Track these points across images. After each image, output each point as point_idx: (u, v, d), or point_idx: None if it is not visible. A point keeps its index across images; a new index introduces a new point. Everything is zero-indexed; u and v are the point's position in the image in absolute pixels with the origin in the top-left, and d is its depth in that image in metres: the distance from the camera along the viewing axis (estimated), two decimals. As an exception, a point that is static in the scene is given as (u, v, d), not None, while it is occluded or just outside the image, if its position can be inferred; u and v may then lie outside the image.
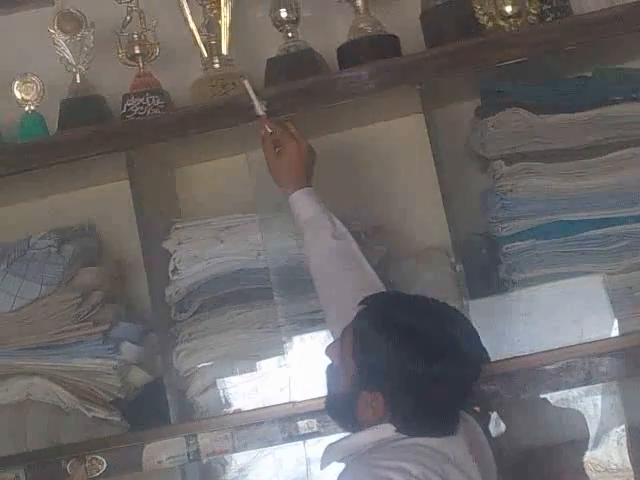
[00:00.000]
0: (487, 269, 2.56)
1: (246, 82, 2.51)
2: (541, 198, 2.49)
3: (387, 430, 2.04)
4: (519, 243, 2.49)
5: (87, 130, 2.67)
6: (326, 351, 2.16)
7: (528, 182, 2.50)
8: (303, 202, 2.39)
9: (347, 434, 2.14)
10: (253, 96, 2.49)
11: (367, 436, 2.07)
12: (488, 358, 2.33)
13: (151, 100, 2.74)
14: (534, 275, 2.47)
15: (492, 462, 2.18)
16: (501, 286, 2.51)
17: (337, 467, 2.08)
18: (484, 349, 2.11)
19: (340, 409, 2.14)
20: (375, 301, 2.12)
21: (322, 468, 2.13)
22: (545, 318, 2.44)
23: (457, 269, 2.49)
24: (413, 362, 2.00)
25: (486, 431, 2.35)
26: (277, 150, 2.43)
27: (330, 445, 2.13)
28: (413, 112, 2.69)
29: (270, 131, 2.45)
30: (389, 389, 2.03)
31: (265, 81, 2.71)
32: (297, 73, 2.64)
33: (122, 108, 2.75)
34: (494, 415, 2.47)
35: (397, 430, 2.04)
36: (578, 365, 2.38)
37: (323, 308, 2.38)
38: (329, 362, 2.16)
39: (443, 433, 2.04)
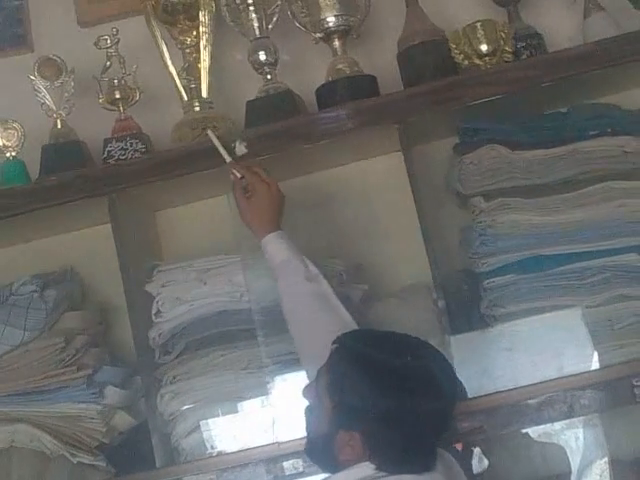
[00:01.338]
0: (468, 305, 2.60)
1: (210, 132, 2.60)
2: (520, 233, 2.56)
3: (367, 469, 2.07)
4: (499, 278, 2.54)
5: (68, 175, 2.73)
6: (303, 393, 2.21)
7: (507, 217, 2.56)
8: (275, 245, 2.45)
9: (328, 475, 2.17)
10: (218, 145, 2.57)
11: (347, 476, 2.10)
12: (465, 394, 2.41)
13: (132, 144, 2.80)
14: (515, 310, 2.52)
15: None
16: (482, 321, 2.56)
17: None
18: (459, 384, 2.18)
19: (319, 450, 2.18)
20: (347, 339, 2.17)
21: None
22: (526, 352, 2.48)
23: (439, 305, 2.53)
24: (388, 399, 2.04)
25: (469, 467, 2.39)
26: (247, 195, 2.49)
27: None
28: (392, 150, 2.75)
29: (240, 176, 2.51)
30: (366, 427, 2.07)
31: (245, 123, 2.77)
32: (276, 114, 2.70)
33: (103, 152, 2.81)
34: (477, 450, 2.50)
35: (377, 468, 2.07)
36: (560, 399, 2.42)
37: (298, 350, 2.43)
38: (307, 403, 2.21)
39: (422, 469, 2.07)
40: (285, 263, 2.43)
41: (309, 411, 2.21)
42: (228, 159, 2.56)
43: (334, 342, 2.16)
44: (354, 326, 2.36)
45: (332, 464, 2.14)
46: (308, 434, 2.22)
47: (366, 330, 2.29)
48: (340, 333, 2.21)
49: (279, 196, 2.50)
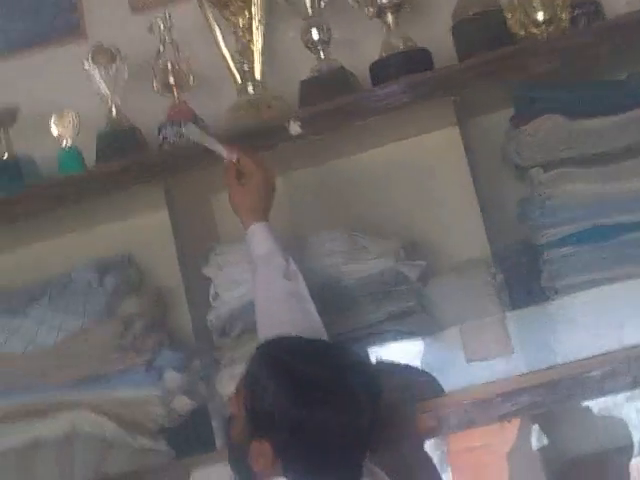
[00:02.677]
0: (528, 278, 2.60)
1: (190, 126, 2.61)
2: (580, 203, 2.56)
3: None
4: (560, 250, 2.54)
5: (124, 162, 2.79)
6: (228, 402, 2.23)
7: (566, 188, 2.56)
8: (259, 237, 2.43)
9: None
10: (206, 142, 2.54)
11: None
12: (441, 390, 2.47)
13: (187, 129, 2.85)
14: (576, 282, 2.52)
15: None
16: (543, 294, 2.56)
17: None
18: (379, 395, 2.09)
19: (237, 460, 2.17)
20: (266, 346, 2.15)
21: None
22: (588, 325, 2.48)
23: (497, 279, 2.56)
24: (299, 410, 2.00)
25: (529, 443, 2.40)
26: (242, 181, 2.47)
27: None
28: (448, 124, 2.76)
29: (236, 158, 2.48)
30: (277, 437, 2.03)
31: (299, 102, 2.81)
32: (330, 93, 2.73)
33: (158, 137, 2.87)
34: (535, 427, 2.51)
35: None
36: (623, 370, 2.40)
37: None
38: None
39: None
40: (266, 257, 2.41)
41: (230, 419, 2.19)
42: (219, 148, 2.52)
43: (257, 347, 2.16)
44: (321, 331, 2.35)
45: (249, 477, 2.12)
46: (228, 444, 2.23)
47: (290, 337, 2.18)
48: (307, 336, 2.20)
49: (273, 187, 2.49)
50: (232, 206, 2.49)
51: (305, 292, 2.41)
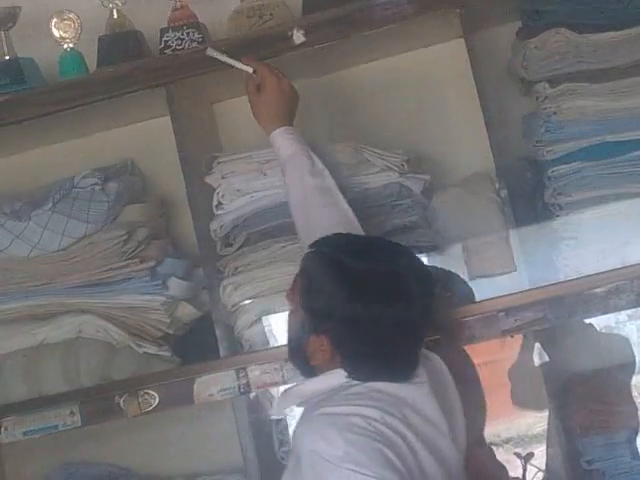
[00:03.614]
0: (532, 194, 2.59)
1: (210, 50, 2.60)
2: (586, 119, 2.51)
3: (339, 376, 2.09)
4: (564, 166, 2.51)
5: (126, 66, 2.72)
6: (286, 296, 2.24)
7: (573, 103, 2.52)
8: (283, 140, 2.46)
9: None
10: (226, 59, 2.57)
11: (320, 382, 2.12)
12: (472, 296, 2.46)
13: (189, 34, 2.77)
14: (580, 198, 2.50)
15: (458, 402, 2.20)
16: (547, 210, 2.54)
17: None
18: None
19: (296, 355, 2.20)
20: (322, 243, 2.17)
21: (276, 414, 2.23)
22: (592, 241, 2.46)
23: (502, 195, 2.53)
24: (355, 304, 2.04)
25: (530, 359, 2.39)
26: (260, 91, 2.51)
27: (285, 391, 2.21)
28: (454, 37, 2.71)
29: (252, 71, 2.51)
30: (335, 333, 2.08)
31: (303, 10, 2.73)
32: (335, 1, 2.64)
33: (160, 43, 2.79)
34: (537, 345, 2.50)
35: (349, 376, 2.08)
36: (627, 288, 2.39)
37: (302, 246, 2.41)
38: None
39: (397, 378, 2.07)
40: (291, 157, 2.45)
41: (289, 315, 2.23)
42: (239, 65, 2.56)
43: (311, 246, 2.18)
44: (356, 223, 2.37)
45: (308, 369, 2.16)
46: (288, 339, 2.24)
47: (344, 235, 2.23)
48: (341, 229, 2.24)
49: (291, 93, 2.51)
50: (255, 117, 2.53)
51: (334, 188, 2.43)
